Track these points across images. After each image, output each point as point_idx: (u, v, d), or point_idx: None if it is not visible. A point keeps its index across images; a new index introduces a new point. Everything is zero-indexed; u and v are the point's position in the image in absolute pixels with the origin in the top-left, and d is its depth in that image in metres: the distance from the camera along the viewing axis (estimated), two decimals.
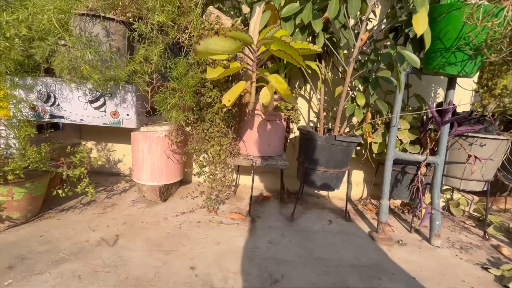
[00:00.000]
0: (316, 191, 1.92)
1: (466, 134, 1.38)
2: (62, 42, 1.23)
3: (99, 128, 1.89)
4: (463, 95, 1.64)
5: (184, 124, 1.46)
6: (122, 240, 1.18)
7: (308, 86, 1.81)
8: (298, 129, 1.51)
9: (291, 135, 1.84)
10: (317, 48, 0.90)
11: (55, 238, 1.16)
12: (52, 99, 1.41)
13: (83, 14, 1.23)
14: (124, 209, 1.47)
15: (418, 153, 1.43)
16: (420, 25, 0.94)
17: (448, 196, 1.81)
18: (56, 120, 1.44)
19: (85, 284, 0.91)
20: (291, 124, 1.68)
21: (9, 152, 1.30)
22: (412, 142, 1.50)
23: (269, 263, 1.10)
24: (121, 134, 1.88)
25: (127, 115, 1.42)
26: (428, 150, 1.37)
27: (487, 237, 1.46)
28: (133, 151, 1.54)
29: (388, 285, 1.04)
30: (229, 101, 0.92)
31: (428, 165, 1.39)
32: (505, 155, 1.41)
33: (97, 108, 1.43)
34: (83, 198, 1.54)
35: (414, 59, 1.08)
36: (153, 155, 1.50)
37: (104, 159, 1.98)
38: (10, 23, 1.07)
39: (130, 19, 1.26)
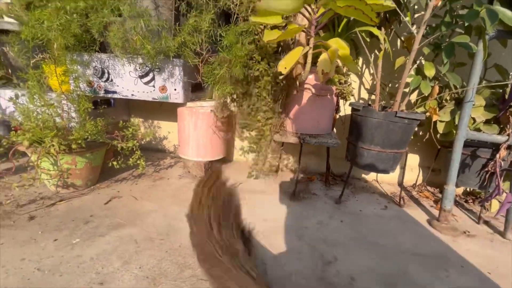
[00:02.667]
0: (363, 175, 1.80)
1: None
2: (115, 16, 1.25)
3: (146, 106, 1.95)
4: None
5: (229, 100, 1.42)
6: (172, 211, 1.21)
7: (360, 60, 1.65)
8: (350, 104, 1.39)
9: (340, 113, 1.71)
10: (391, 3, 0.77)
11: (113, 206, 1.23)
12: (106, 75, 1.47)
13: None
14: (171, 183, 1.52)
15: (496, 134, 1.23)
16: None
17: None
18: (110, 95, 1.50)
19: (142, 248, 0.95)
20: (341, 101, 1.55)
21: (70, 125, 1.40)
22: (487, 122, 1.29)
23: (320, 243, 1.05)
24: (167, 112, 1.92)
25: (175, 89, 1.43)
26: (510, 130, 1.17)
27: None
28: (179, 126, 1.56)
29: (458, 278, 0.92)
30: (285, 68, 0.85)
31: (509, 147, 1.19)
32: None
33: (146, 83, 1.45)
34: (134, 171, 1.62)
35: (510, 15, 0.89)
36: (199, 130, 1.50)
37: (152, 134, 2.06)
38: None
39: None
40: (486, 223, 1.32)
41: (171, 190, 1.42)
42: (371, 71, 1.65)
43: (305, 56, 1.04)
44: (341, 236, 1.11)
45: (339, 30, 1.26)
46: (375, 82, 1.55)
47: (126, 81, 1.46)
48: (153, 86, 1.45)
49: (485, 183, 1.31)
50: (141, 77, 1.44)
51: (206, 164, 1.57)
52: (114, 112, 1.85)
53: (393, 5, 0.79)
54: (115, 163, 1.38)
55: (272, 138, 1.32)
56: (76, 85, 1.36)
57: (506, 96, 1.20)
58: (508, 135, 1.16)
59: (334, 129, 1.62)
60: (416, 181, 1.73)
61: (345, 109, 1.69)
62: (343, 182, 1.66)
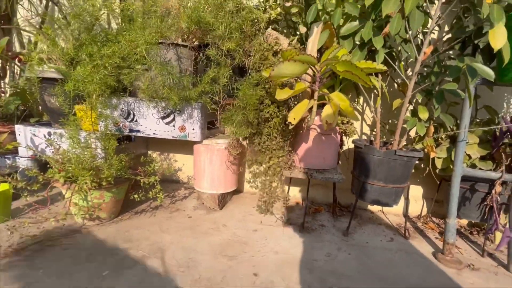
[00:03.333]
0: (369, 206, 1.87)
1: None
2: (144, 67, 1.44)
3: (163, 140, 2.11)
4: None
5: (241, 138, 1.56)
6: (190, 243, 1.30)
7: (361, 99, 1.80)
8: (353, 142, 1.51)
9: (344, 148, 1.83)
10: (382, 67, 0.92)
11: (135, 238, 1.33)
12: (132, 116, 1.64)
13: (160, 43, 1.42)
14: (187, 214, 1.62)
15: (491, 169, 1.32)
16: (498, 39, 0.90)
17: None
18: (134, 134, 1.66)
19: (167, 280, 1.03)
20: (344, 137, 1.68)
21: (94, 162, 1.55)
22: (482, 158, 1.39)
23: (329, 276, 1.11)
24: (182, 145, 2.07)
25: (193, 129, 1.58)
26: (503, 167, 1.26)
27: None
28: (195, 161, 1.70)
29: None
30: (294, 119, 0.99)
31: (503, 183, 1.27)
32: None
33: (167, 123, 1.61)
34: (152, 203, 1.73)
35: (488, 72, 1.03)
36: (213, 165, 1.63)
37: (172, 169, 2.20)
38: (108, 55, 1.29)
39: (195, 43, 1.43)
40: (490, 255, 1.36)
41: (188, 222, 1.52)
42: (372, 109, 1.79)
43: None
44: (349, 269, 1.17)
45: (340, 77, 1.41)
46: (375, 120, 1.68)
47: (149, 121, 1.62)
48: (173, 126, 1.61)
49: (485, 216, 1.38)
50: (163, 118, 1.61)
51: (219, 196, 1.68)
52: (134, 146, 2.01)
53: (385, 67, 0.94)
54: (136, 196, 1.50)
55: (282, 174, 1.44)
56: (107, 126, 1.53)
57: (497, 134, 1.31)
58: (502, 171, 1.25)
59: (340, 162, 1.73)
60: (421, 212, 1.79)
61: (348, 144, 1.81)
62: (349, 212, 1.73)
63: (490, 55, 1.24)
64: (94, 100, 1.31)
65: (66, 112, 1.42)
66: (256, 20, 1.40)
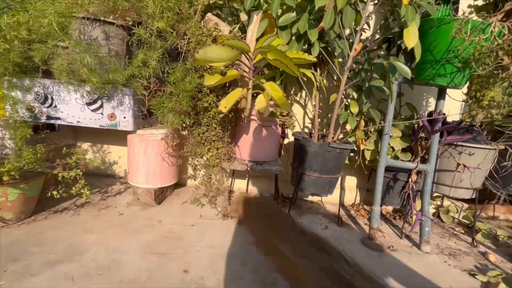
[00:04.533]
0: (310, 197, 1.95)
1: (455, 143, 1.42)
2: (62, 44, 1.24)
3: (95, 130, 1.89)
4: (453, 105, 1.69)
5: (180, 128, 1.47)
6: (116, 242, 1.19)
7: (303, 93, 1.85)
8: (293, 135, 1.54)
9: (286, 140, 1.86)
10: (312, 58, 0.93)
11: (49, 240, 1.16)
12: (50, 101, 1.42)
13: (83, 18, 1.24)
14: (118, 211, 1.48)
15: (410, 160, 1.47)
16: (411, 38, 0.98)
17: (439, 203, 1.85)
18: (52, 121, 1.45)
19: (78, 286, 0.91)
20: (286, 129, 1.70)
21: (4, 152, 1.31)
22: (404, 150, 1.54)
23: (262, 267, 1.11)
24: (117, 136, 1.88)
25: (124, 117, 1.44)
26: (419, 158, 1.41)
27: (475, 243, 1.49)
28: (129, 153, 1.55)
29: None
30: (225, 107, 0.94)
31: (419, 172, 1.43)
32: (492, 164, 1.46)
33: (94, 111, 1.44)
34: (77, 200, 1.54)
35: (406, 70, 1.12)
36: (149, 157, 1.51)
37: (100, 160, 1.99)
38: (11, 26, 1.08)
39: (130, 23, 1.28)
40: (408, 237, 1.52)
41: (118, 220, 1.39)
42: (313, 103, 1.85)
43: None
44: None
45: (281, 70, 1.42)
46: None
47: (72, 107, 1.43)
48: (101, 113, 1.44)
49: (405, 202, 1.53)
50: (89, 104, 1.43)
51: (156, 191, 1.57)
52: (58, 136, 1.76)
53: (314, 59, 0.95)
54: (55, 192, 1.31)
55: (221, 166, 1.39)
56: (14, 110, 1.29)
57: (416, 129, 1.46)
58: (417, 162, 1.40)
59: (283, 153, 1.76)
60: (355, 201, 1.93)
61: (289, 138, 1.85)
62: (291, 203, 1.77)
63: (411, 56, 1.36)
64: None
65: None
66: (195, 2, 1.31)
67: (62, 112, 1.43)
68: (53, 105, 1.43)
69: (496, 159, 1.45)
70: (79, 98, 1.41)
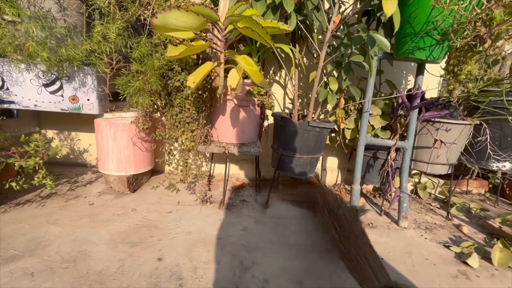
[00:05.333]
0: (291, 178, 1.93)
1: (433, 119, 1.42)
2: (7, 18, 1.09)
3: (60, 115, 1.74)
4: (431, 83, 1.69)
5: (152, 110, 1.37)
6: (85, 233, 1.11)
7: (283, 72, 1.78)
8: (272, 115, 1.48)
9: (266, 123, 1.80)
10: (287, 27, 0.86)
11: (7, 235, 1.06)
12: (0, 82, 1.27)
13: None
14: (88, 201, 1.38)
15: (389, 138, 1.46)
16: (389, 5, 0.93)
17: (416, 180, 1.89)
18: (5, 105, 1.30)
19: (38, 282, 0.84)
20: (265, 110, 1.64)
21: None
22: (383, 128, 1.53)
23: (241, 250, 1.08)
24: (85, 122, 1.75)
25: (88, 100, 1.32)
26: (397, 135, 1.40)
27: (450, 217, 1.54)
28: (97, 139, 1.44)
29: None
30: (194, 82, 0.86)
31: (397, 150, 1.43)
32: (467, 139, 1.48)
33: (53, 93, 1.30)
34: (43, 191, 1.43)
35: (385, 42, 1.07)
36: (119, 143, 1.40)
37: (68, 149, 1.85)
38: None
39: None
40: (387, 214, 1.54)
41: (87, 210, 1.30)
42: (293, 82, 1.79)
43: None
44: (262, 240, 1.17)
45: (257, 45, 1.33)
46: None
47: (27, 89, 1.28)
48: (62, 96, 1.31)
49: (384, 180, 1.54)
50: (46, 85, 1.29)
51: (129, 178, 1.48)
52: (17, 123, 1.61)
53: (289, 28, 0.88)
54: (13, 184, 1.19)
55: (196, 149, 1.32)
56: None
57: (395, 106, 1.44)
58: (396, 139, 1.39)
59: (263, 135, 1.71)
60: (336, 181, 1.93)
61: (269, 120, 1.79)
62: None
63: (391, 30, 1.32)
64: None
65: None
66: None
67: (16, 95, 1.29)
68: (5, 87, 1.28)
69: (471, 134, 1.47)
70: (34, 78, 1.27)
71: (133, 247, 1.05)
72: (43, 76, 1.27)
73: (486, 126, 1.44)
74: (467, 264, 1.12)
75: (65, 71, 1.23)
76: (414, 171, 1.83)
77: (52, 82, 1.29)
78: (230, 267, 0.98)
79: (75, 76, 1.28)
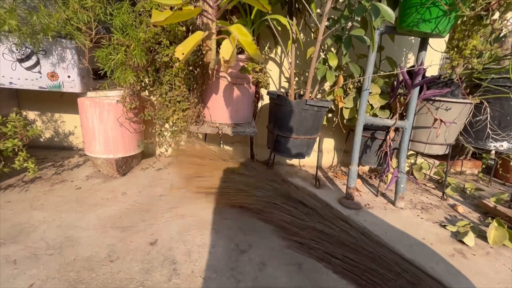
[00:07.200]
0: (287, 160, 1.89)
1: (433, 98, 1.38)
2: None
3: (41, 96, 1.63)
4: (435, 58, 1.63)
5: (139, 88, 1.28)
6: (72, 218, 1.05)
7: (279, 49, 1.69)
8: (268, 93, 1.41)
9: (261, 103, 1.73)
10: None
11: None
12: None
13: None
14: (75, 185, 1.32)
15: (388, 117, 1.42)
16: None
17: (412, 161, 1.87)
18: None
19: (22, 269, 0.79)
20: (260, 89, 1.56)
21: None
22: (382, 108, 1.48)
23: (238, 233, 1.05)
24: (69, 103, 1.64)
25: (69, 77, 1.21)
26: (397, 115, 1.36)
27: (445, 197, 1.54)
28: (82, 120, 1.35)
29: None
30: (183, 54, 0.78)
31: (396, 129, 1.39)
32: (467, 118, 1.45)
33: (29, 69, 1.19)
34: (26, 176, 1.35)
35: (389, 12, 1.00)
36: (106, 124, 1.32)
37: (52, 131, 1.75)
38: None
39: None
40: (383, 195, 1.53)
41: (74, 194, 1.24)
42: (290, 60, 1.70)
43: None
44: (257, 223, 1.14)
45: (252, 17, 1.24)
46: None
47: (0, 65, 1.17)
48: (39, 72, 1.20)
49: (381, 161, 1.51)
50: (21, 60, 1.18)
51: (118, 161, 1.41)
52: None
53: None
54: None
55: (188, 130, 1.25)
56: None
57: (395, 85, 1.39)
58: (396, 119, 1.35)
59: (258, 116, 1.64)
60: (332, 163, 1.90)
61: (264, 100, 1.72)
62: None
63: (395, 2, 1.23)
64: None
65: None
66: None
67: None
68: None
69: (471, 113, 1.44)
70: (6, 53, 1.15)
71: (124, 231, 1.00)
72: (17, 50, 1.15)
73: (487, 105, 1.40)
74: (463, 242, 1.12)
75: (41, 44, 1.12)
76: (410, 152, 1.81)
77: (28, 57, 1.17)
78: (226, 250, 0.95)
79: (52, 50, 1.17)
